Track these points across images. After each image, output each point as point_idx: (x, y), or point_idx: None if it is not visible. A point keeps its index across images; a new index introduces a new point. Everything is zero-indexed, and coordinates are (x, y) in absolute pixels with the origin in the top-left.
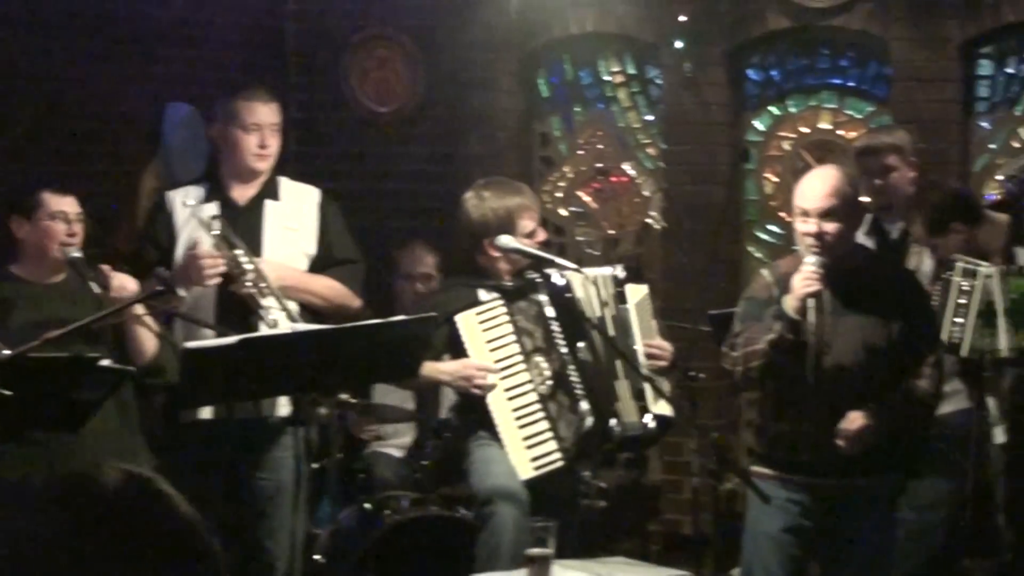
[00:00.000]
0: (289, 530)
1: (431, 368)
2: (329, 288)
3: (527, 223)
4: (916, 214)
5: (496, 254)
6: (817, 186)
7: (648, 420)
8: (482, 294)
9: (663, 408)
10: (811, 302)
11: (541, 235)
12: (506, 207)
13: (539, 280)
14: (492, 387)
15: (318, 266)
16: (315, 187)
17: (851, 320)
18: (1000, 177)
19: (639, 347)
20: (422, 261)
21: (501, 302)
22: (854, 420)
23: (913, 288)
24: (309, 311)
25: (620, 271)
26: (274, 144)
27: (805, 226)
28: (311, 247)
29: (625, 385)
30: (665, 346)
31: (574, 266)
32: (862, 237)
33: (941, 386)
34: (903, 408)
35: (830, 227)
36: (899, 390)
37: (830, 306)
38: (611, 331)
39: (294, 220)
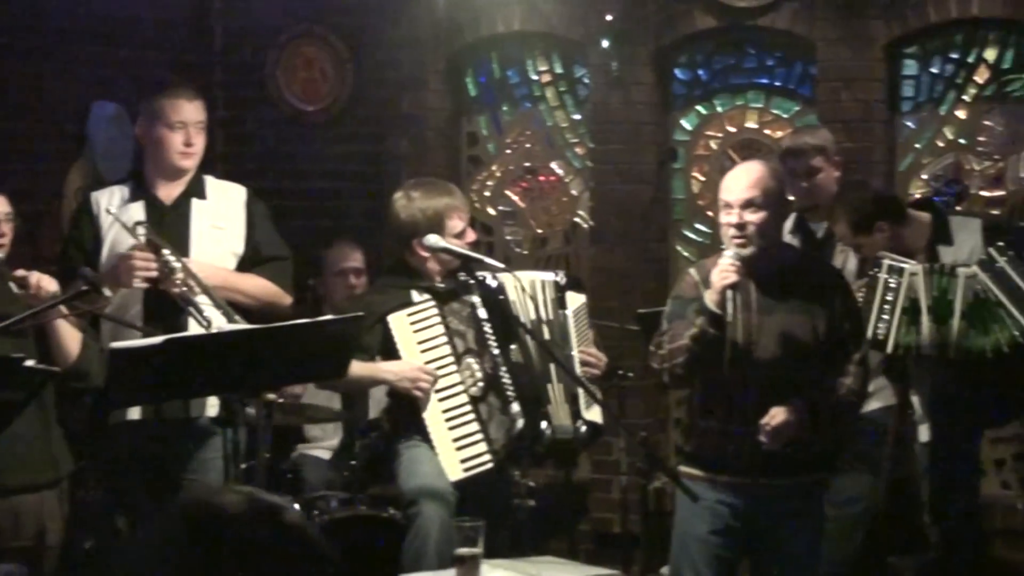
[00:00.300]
0: None
1: (372, 368)
2: (258, 286)
3: (456, 223)
4: (840, 213)
5: (426, 254)
6: (740, 178)
7: (580, 425)
8: (414, 295)
9: (595, 415)
10: (738, 299)
11: (471, 236)
12: (434, 207)
13: (472, 281)
14: (429, 395)
15: (246, 264)
16: (241, 186)
17: (778, 318)
18: (925, 176)
19: (575, 353)
20: (351, 256)
21: (433, 303)
22: (775, 415)
23: (839, 286)
24: (238, 309)
25: (561, 277)
26: (199, 142)
27: (728, 217)
28: (238, 246)
29: (558, 388)
30: (600, 356)
31: (503, 266)
32: (788, 236)
33: (867, 384)
34: (827, 404)
35: (752, 217)
36: (824, 386)
37: (757, 304)
38: (547, 335)
39: (221, 219)
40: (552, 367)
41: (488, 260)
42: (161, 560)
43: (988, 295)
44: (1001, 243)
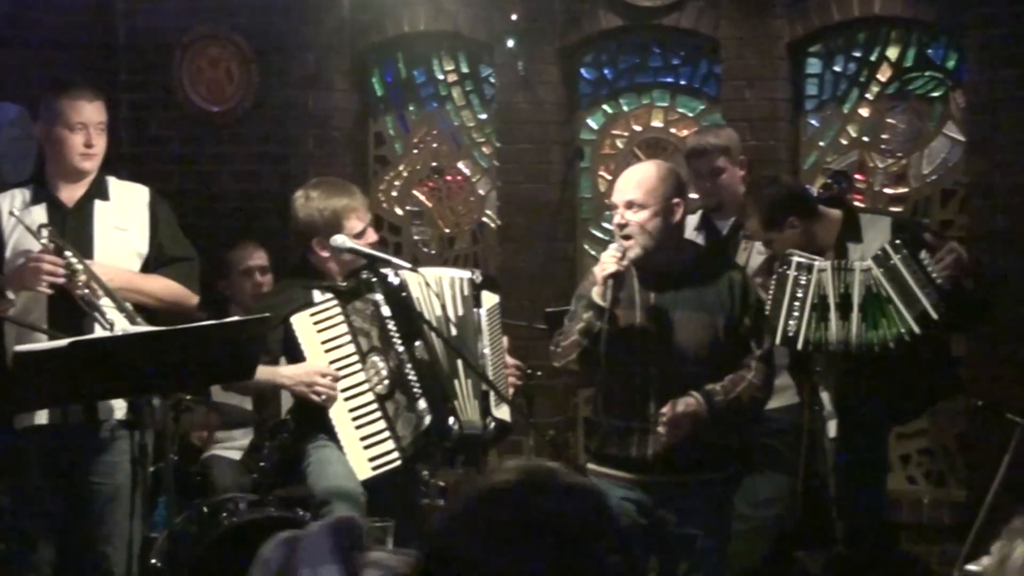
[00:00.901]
0: (126, 535)
1: (271, 372)
2: (163, 287)
3: (355, 223)
4: (752, 209)
5: (326, 254)
6: (624, 180)
7: (489, 423)
8: (316, 295)
9: (504, 413)
10: (636, 299)
11: (372, 236)
12: (332, 208)
13: (374, 279)
14: (333, 397)
15: (151, 265)
16: (144, 186)
17: (677, 316)
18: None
19: (487, 351)
20: (254, 255)
21: (336, 302)
22: (673, 406)
23: (739, 283)
24: (144, 311)
25: (477, 275)
26: (100, 143)
27: (615, 216)
28: (143, 246)
29: (466, 384)
30: (521, 367)
31: (409, 265)
32: (692, 233)
33: (770, 380)
34: (727, 398)
35: (634, 218)
36: (724, 380)
37: (655, 303)
38: (455, 332)
39: (124, 220)
40: (460, 364)
41: (394, 260)
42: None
43: (880, 291)
44: (898, 240)
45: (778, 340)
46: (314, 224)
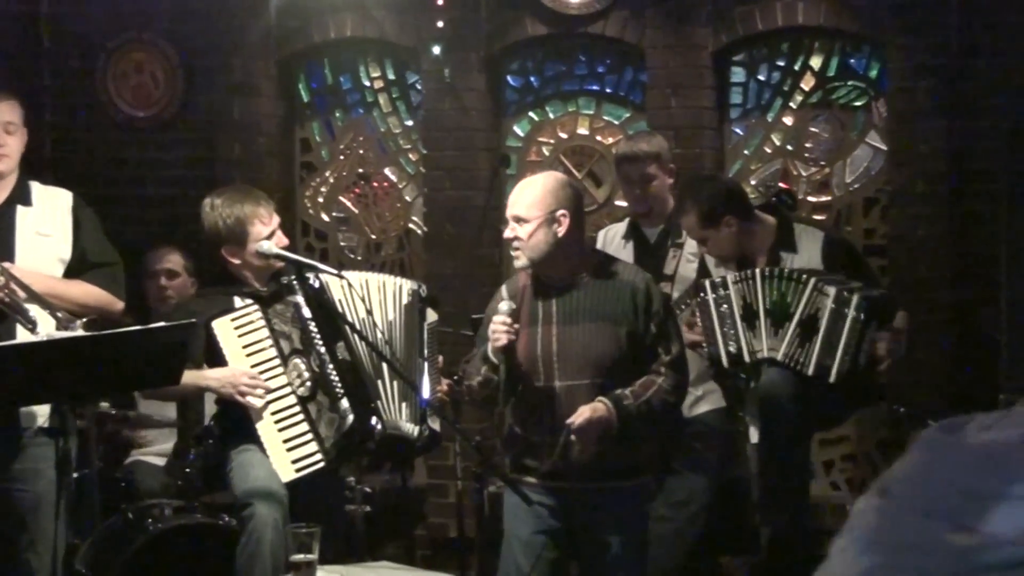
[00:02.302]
0: (50, 542)
1: (197, 375)
2: (86, 293)
3: (259, 229)
4: (690, 206)
5: (237, 261)
6: (514, 193)
7: (424, 429)
8: (236, 300)
9: (435, 423)
10: (540, 311)
11: (282, 240)
12: (235, 215)
13: (295, 282)
14: (260, 402)
15: (74, 271)
16: (67, 191)
17: (581, 327)
18: (753, 182)
19: (422, 361)
20: (165, 258)
21: (256, 307)
22: (581, 413)
23: (644, 291)
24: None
25: (423, 289)
26: (12, 143)
27: (506, 231)
28: (65, 252)
29: (391, 386)
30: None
31: (335, 271)
32: (620, 241)
33: (682, 385)
34: (637, 403)
35: (520, 231)
36: (635, 385)
37: (559, 314)
38: (380, 333)
39: (47, 225)
40: (384, 365)
41: (319, 265)
42: None
43: (818, 321)
44: (865, 300)
45: (727, 365)
46: (219, 232)
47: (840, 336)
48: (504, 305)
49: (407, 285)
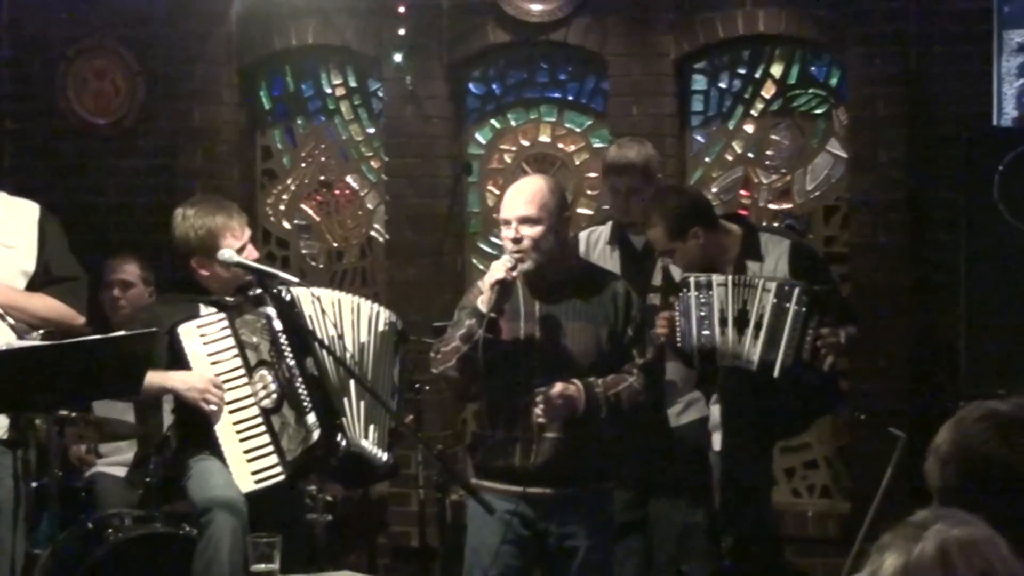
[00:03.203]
0: (8, 551)
1: (161, 377)
2: (47, 307)
3: (231, 242)
4: (656, 218)
5: (206, 273)
6: (516, 194)
7: (390, 459)
8: (202, 308)
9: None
10: (521, 311)
11: (252, 253)
12: (207, 227)
13: (266, 294)
14: (218, 409)
15: (37, 284)
16: (35, 203)
17: (561, 329)
18: (715, 189)
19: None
20: (121, 268)
21: (223, 316)
22: (554, 386)
23: (624, 295)
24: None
25: (399, 322)
26: None
27: (506, 232)
28: (29, 265)
29: (356, 405)
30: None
31: (297, 280)
32: (606, 247)
33: (652, 390)
34: (607, 393)
35: (529, 232)
36: (607, 377)
37: (540, 315)
38: (349, 353)
39: (11, 237)
40: (352, 385)
41: (282, 274)
42: None
43: (763, 316)
44: (809, 290)
45: (696, 364)
46: (189, 243)
47: (782, 330)
48: (508, 256)
49: (384, 314)
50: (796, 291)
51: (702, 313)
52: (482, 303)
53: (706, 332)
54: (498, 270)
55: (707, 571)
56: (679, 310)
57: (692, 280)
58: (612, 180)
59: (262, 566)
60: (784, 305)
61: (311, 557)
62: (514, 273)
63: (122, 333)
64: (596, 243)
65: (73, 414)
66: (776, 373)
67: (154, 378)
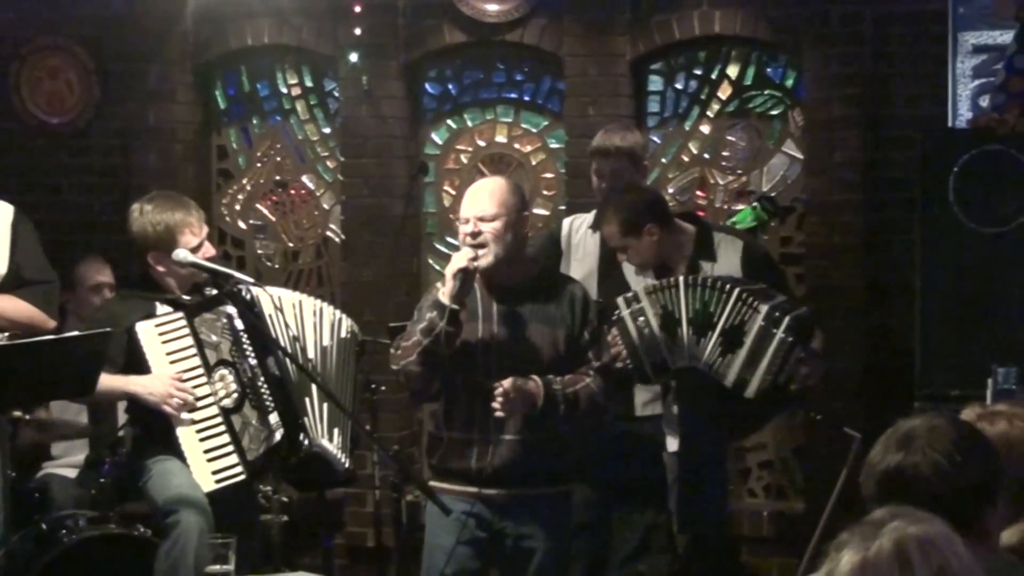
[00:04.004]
0: None
1: (122, 381)
2: (17, 310)
3: (189, 239)
4: (611, 214)
5: (162, 269)
6: (476, 192)
7: (351, 467)
8: (158, 307)
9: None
10: (479, 311)
11: (209, 250)
12: (165, 223)
13: (226, 293)
14: (182, 408)
15: (8, 286)
16: (9, 205)
17: (518, 330)
18: (671, 190)
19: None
20: (104, 271)
21: (181, 315)
22: (512, 379)
23: (581, 299)
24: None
25: (359, 333)
26: None
27: (464, 227)
28: (1, 266)
29: (319, 406)
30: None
31: (252, 280)
32: (587, 231)
33: (608, 393)
34: (565, 391)
35: (487, 228)
36: (564, 377)
37: (497, 316)
38: (311, 355)
39: None
40: (313, 386)
41: (237, 274)
42: None
43: (744, 336)
44: (794, 323)
45: (655, 380)
46: (147, 238)
47: (765, 354)
48: (469, 249)
49: (347, 321)
50: (787, 320)
51: (640, 322)
52: (443, 295)
53: (651, 344)
54: (460, 260)
55: (663, 570)
56: (616, 329)
57: (620, 300)
58: (598, 163)
59: (218, 567)
60: (772, 331)
61: (266, 558)
62: (475, 263)
63: (75, 334)
64: (579, 228)
65: (27, 416)
66: (750, 394)
67: (115, 382)
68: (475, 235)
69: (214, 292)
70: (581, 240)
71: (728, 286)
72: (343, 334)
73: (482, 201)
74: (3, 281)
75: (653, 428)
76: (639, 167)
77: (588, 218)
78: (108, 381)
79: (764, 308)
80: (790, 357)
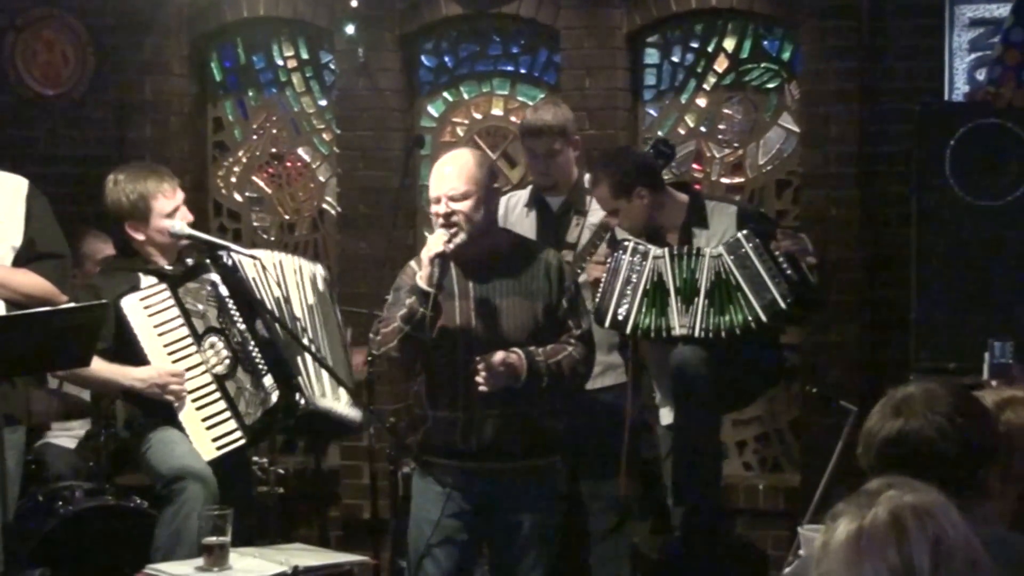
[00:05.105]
0: None
1: (120, 373)
2: (30, 283)
3: (163, 204)
4: (602, 176)
5: (141, 237)
6: (445, 170)
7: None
8: (142, 278)
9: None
10: (455, 288)
11: (186, 215)
12: (139, 191)
13: (208, 260)
14: (182, 396)
15: (21, 259)
16: (23, 178)
17: (496, 304)
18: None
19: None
20: (108, 244)
21: (164, 285)
22: (496, 354)
23: (556, 267)
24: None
25: (324, 270)
26: None
27: (436, 207)
28: (16, 239)
29: (311, 363)
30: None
31: (249, 252)
32: (523, 209)
33: (590, 360)
34: (548, 362)
35: (459, 207)
36: (547, 347)
37: (473, 291)
38: (298, 314)
39: None
40: (306, 341)
41: (233, 246)
42: None
43: (729, 277)
44: (748, 230)
45: (607, 324)
46: (121, 207)
47: (758, 270)
48: (441, 230)
49: (319, 269)
50: (741, 235)
51: (632, 279)
52: (421, 280)
53: (625, 305)
54: (436, 244)
55: (657, 544)
56: (608, 265)
57: (631, 244)
58: (530, 143)
59: (214, 539)
60: (741, 251)
61: (262, 530)
62: (451, 245)
63: (71, 305)
64: (515, 207)
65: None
66: (783, 305)
67: (113, 373)
68: (447, 216)
69: (195, 260)
70: (518, 219)
71: (708, 251)
72: (320, 286)
73: (451, 179)
74: (17, 254)
75: (610, 397)
76: (572, 142)
77: (524, 195)
78: (107, 372)
79: (721, 248)
80: (774, 253)
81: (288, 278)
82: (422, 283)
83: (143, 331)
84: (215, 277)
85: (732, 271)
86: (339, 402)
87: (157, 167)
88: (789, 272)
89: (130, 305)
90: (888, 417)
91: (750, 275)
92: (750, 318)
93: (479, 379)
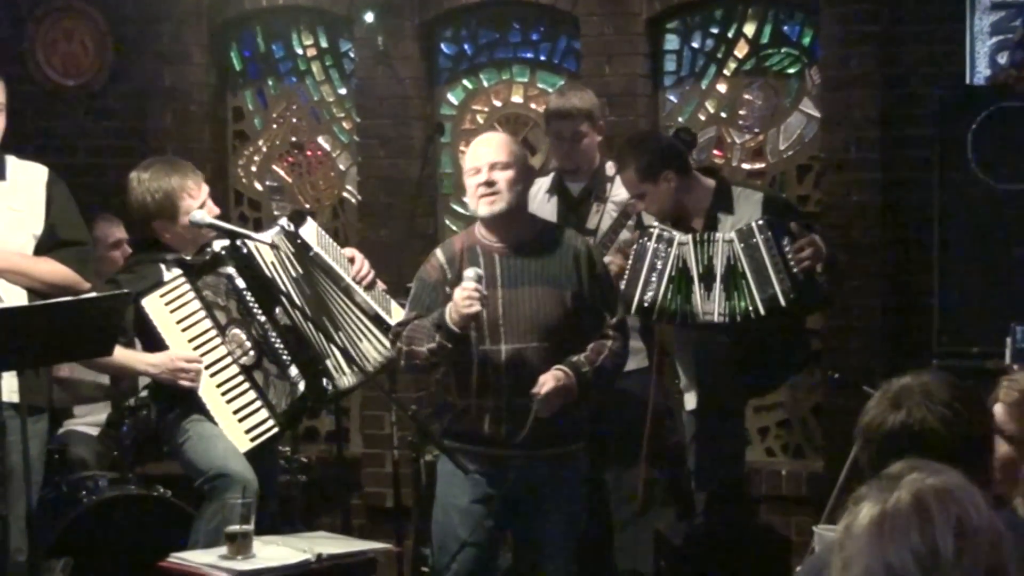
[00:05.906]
0: (23, 516)
1: (134, 359)
2: (53, 272)
3: (189, 202)
4: (629, 160)
5: (168, 235)
6: (485, 143)
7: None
8: (165, 272)
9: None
10: (484, 276)
11: (213, 209)
12: (164, 190)
13: (222, 252)
14: (198, 381)
15: (43, 248)
16: (43, 166)
17: (526, 291)
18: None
19: (352, 283)
20: (119, 229)
21: (184, 280)
22: (545, 382)
23: (586, 254)
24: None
25: (287, 223)
26: None
27: (476, 178)
28: (37, 227)
29: (340, 338)
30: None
31: (269, 240)
32: (544, 195)
33: (627, 347)
34: (593, 368)
35: (500, 176)
36: (587, 351)
37: (503, 278)
38: (307, 291)
39: (19, 200)
40: (326, 321)
41: (253, 234)
42: None
43: (737, 264)
44: (763, 221)
45: (633, 310)
46: (147, 208)
47: (764, 263)
48: (472, 272)
49: (278, 232)
50: (754, 225)
51: (657, 266)
52: (454, 323)
53: (651, 291)
54: (472, 300)
55: (681, 530)
56: (634, 251)
57: (656, 231)
58: (557, 125)
59: (238, 527)
60: (752, 241)
61: (286, 518)
62: (486, 305)
63: (93, 295)
64: (536, 193)
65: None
66: (783, 302)
67: (129, 360)
68: (490, 184)
69: (212, 251)
70: (539, 205)
71: (721, 236)
72: (292, 249)
73: (493, 150)
74: (39, 241)
75: (633, 383)
76: (598, 127)
77: (545, 182)
78: (122, 358)
79: (734, 233)
80: (784, 249)
81: (284, 253)
82: (454, 327)
83: (167, 328)
84: (230, 270)
85: (740, 258)
86: (368, 361)
87: (180, 162)
88: (795, 271)
89: (152, 304)
90: (887, 412)
91: (756, 266)
92: (750, 308)
93: (536, 407)
